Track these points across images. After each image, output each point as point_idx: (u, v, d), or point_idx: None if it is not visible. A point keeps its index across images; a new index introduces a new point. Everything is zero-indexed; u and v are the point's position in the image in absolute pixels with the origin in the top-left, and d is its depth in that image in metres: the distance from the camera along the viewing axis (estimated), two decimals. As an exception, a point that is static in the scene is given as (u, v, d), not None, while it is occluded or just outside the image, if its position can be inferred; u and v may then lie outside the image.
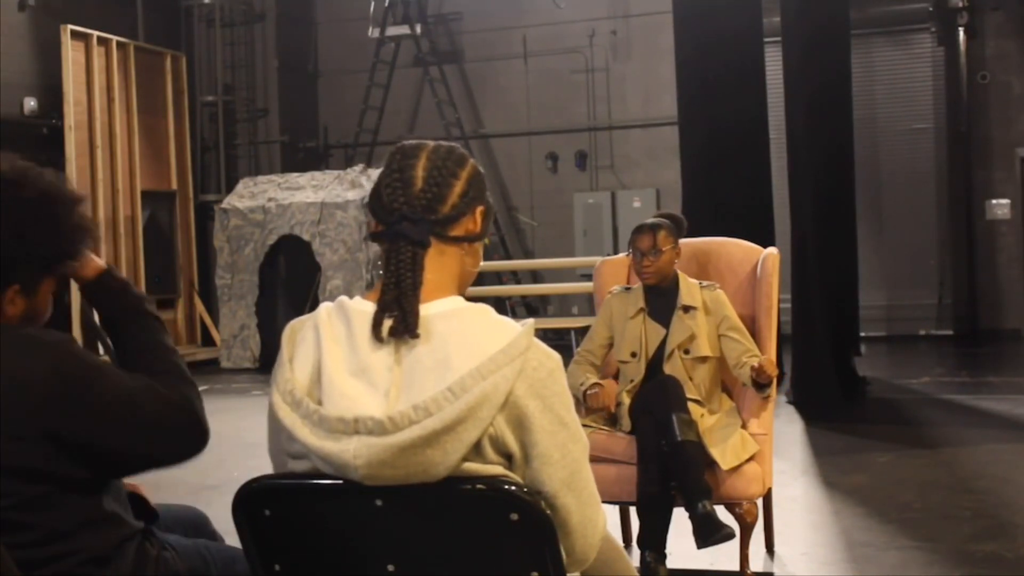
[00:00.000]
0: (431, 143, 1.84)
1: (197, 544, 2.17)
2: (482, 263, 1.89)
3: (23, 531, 1.77)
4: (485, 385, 1.60)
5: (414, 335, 1.66)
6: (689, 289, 4.19)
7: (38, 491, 1.77)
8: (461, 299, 1.75)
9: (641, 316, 4.19)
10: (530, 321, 1.71)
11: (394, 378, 1.65)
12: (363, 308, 1.72)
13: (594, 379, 4.15)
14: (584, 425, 3.90)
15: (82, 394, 1.78)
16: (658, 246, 4.12)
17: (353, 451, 1.60)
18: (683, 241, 4.29)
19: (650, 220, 4.24)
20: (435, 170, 1.78)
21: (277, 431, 1.74)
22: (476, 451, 1.63)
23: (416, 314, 1.67)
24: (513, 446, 1.65)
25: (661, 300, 4.19)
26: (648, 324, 4.17)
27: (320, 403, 1.65)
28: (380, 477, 1.61)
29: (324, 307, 1.75)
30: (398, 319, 1.67)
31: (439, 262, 1.76)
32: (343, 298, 1.75)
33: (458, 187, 1.79)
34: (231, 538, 1.85)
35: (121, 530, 1.93)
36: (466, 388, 1.60)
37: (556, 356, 1.70)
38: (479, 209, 1.82)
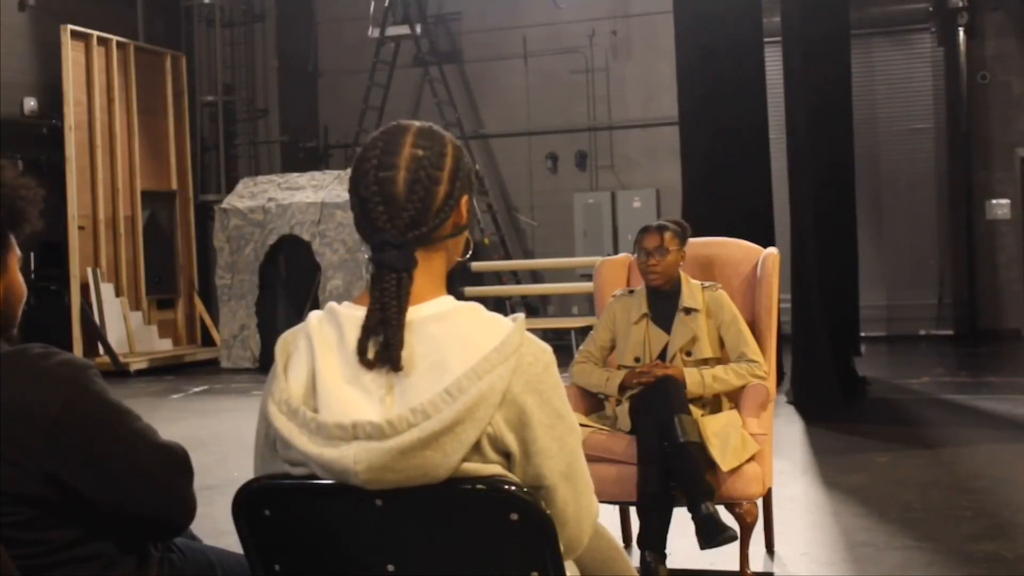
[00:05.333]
0: (407, 150, 1.72)
1: (204, 548, 2.14)
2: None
3: (24, 545, 1.75)
4: (482, 385, 1.59)
5: (397, 368, 1.63)
6: (691, 291, 4.20)
7: (37, 513, 1.75)
8: (451, 299, 1.72)
9: (644, 322, 4.20)
10: (520, 316, 1.70)
11: (389, 383, 1.64)
12: (353, 313, 1.70)
13: (615, 372, 4.19)
14: (583, 425, 3.92)
15: (87, 437, 1.75)
16: (665, 245, 4.16)
17: (353, 456, 1.59)
18: (683, 242, 4.32)
19: (656, 222, 4.29)
20: (416, 183, 1.70)
21: (267, 441, 1.73)
22: (476, 450, 1.62)
23: (400, 344, 1.64)
24: (512, 444, 1.64)
25: (663, 303, 4.20)
26: (651, 329, 4.19)
27: (316, 411, 1.64)
28: (381, 481, 1.60)
29: (314, 315, 1.73)
30: (382, 346, 1.64)
31: (426, 267, 1.73)
32: (333, 304, 1.73)
33: (442, 190, 1.73)
34: (230, 538, 1.84)
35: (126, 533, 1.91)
36: (463, 389, 1.59)
37: (549, 348, 1.70)
38: (463, 200, 1.77)
